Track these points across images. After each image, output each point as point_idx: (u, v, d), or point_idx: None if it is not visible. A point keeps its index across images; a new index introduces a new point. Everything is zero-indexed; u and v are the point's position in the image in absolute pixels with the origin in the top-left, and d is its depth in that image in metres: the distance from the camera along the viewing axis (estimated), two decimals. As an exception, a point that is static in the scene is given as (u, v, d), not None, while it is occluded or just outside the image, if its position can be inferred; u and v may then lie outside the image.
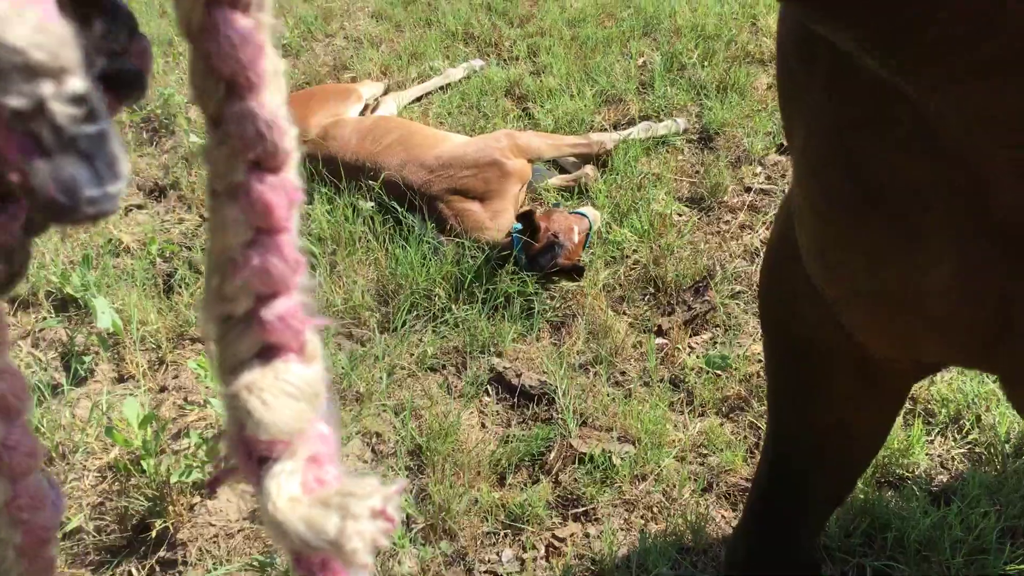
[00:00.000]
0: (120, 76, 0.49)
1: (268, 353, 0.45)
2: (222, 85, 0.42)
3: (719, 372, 2.90)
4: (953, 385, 2.74)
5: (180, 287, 3.26)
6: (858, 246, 0.87)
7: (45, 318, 3.08)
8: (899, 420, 2.63)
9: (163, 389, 2.86)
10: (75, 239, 3.54)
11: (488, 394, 2.88)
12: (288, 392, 0.44)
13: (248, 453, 0.45)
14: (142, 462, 2.36)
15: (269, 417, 0.44)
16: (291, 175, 0.45)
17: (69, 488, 2.41)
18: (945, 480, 2.47)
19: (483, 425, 2.76)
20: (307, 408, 0.45)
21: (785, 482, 1.51)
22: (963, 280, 0.79)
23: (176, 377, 2.89)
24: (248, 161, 0.44)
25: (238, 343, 0.45)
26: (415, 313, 3.17)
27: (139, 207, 3.88)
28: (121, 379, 2.89)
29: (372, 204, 3.68)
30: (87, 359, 2.90)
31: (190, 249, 3.52)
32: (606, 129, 4.44)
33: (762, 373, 2.90)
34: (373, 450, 2.66)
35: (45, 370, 2.89)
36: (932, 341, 0.93)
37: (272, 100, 0.43)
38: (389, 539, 0.43)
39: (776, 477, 1.53)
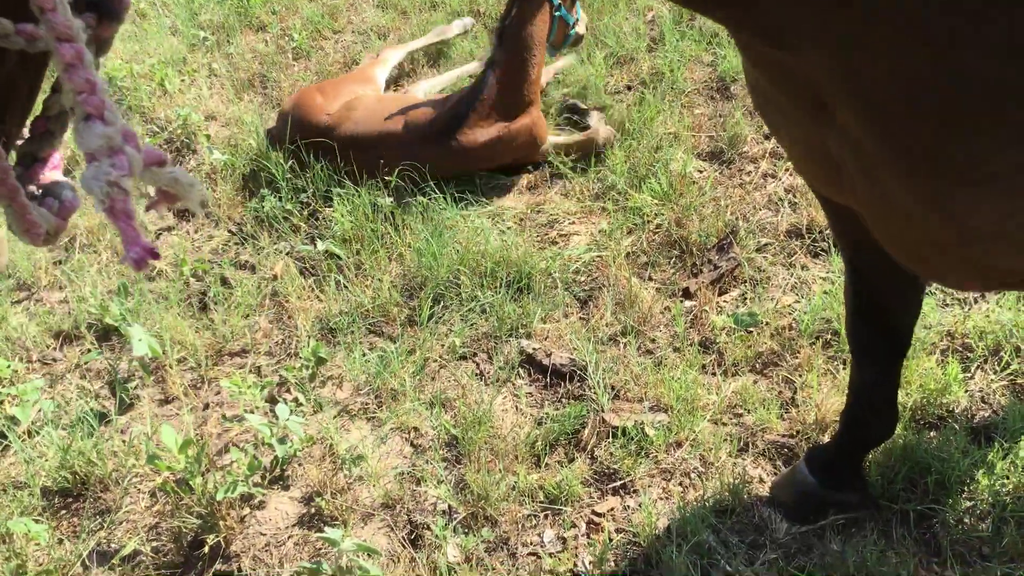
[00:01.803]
0: (102, 4, 0.78)
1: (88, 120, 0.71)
2: None
3: (749, 329, 2.86)
4: (991, 317, 2.67)
5: (214, 304, 3.35)
6: (769, 122, 1.45)
7: (89, 350, 3.19)
8: (934, 359, 2.57)
9: (206, 407, 2.95)
10: (111, 269, 3.65)
11: (520, 376, 2.90)
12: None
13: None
14: (189, 482, 2.45)
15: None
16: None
17: (125, 513, 2.52)
18: (987, 416, 2.41)
19: (517, 408, 2.78)
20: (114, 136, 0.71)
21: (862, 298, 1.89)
22: (805, 136, 1.26)
23: (217, 394, 2.98)
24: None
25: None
26: (442, 304, 3.20)
27: (169, 229, 3.98)
28: (166, 400, 2.99)
29: (391, 200, 3.71)
30: (131, 385, 3.00)
31: (221, 265, 3.60)
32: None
33: (793, 325, 2.86)
34: (412, 444, 2.71)
35: (96, 398, 3.01)
36: (810, 177, 1.44)
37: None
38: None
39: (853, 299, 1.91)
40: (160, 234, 3.94)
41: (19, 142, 0.86)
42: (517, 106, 3.90)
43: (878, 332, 1.91)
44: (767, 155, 3.68)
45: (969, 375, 2.57)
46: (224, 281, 3.50)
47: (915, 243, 1.18)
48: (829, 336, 2.80)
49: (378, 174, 3.85)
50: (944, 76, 0.87)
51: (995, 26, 0.82)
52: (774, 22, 0.97)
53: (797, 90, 1.12)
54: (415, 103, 4.09)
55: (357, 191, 3.75)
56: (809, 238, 3.20)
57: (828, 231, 3.19)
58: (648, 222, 3.42)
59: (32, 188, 0.85)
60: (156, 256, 0.75)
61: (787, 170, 3.57)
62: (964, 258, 1.12)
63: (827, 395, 2.56)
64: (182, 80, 5.23)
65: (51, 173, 0.86)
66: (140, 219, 3.93)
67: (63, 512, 2.57)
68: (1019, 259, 1.08)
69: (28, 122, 0.86)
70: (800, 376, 2.67)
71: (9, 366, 3.01)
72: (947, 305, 2.85)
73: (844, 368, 2.67)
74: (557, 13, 4.00)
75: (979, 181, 0.95)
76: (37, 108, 0.89)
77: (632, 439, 2.53)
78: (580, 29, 4.29)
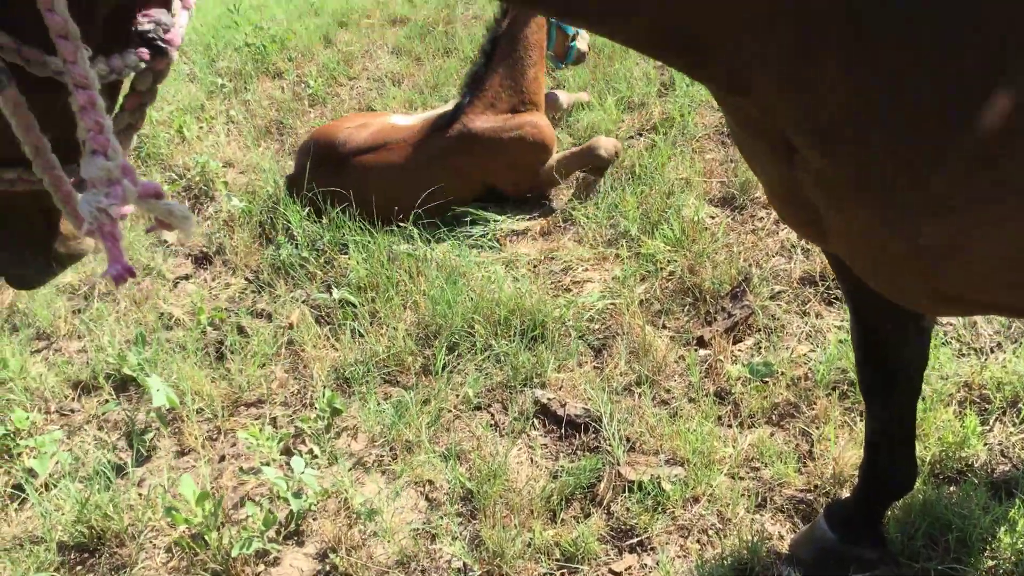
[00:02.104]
0: (153, 43, 0.97)
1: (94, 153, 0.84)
2: None
3: (765, 380, 2.85)
4: (1008, 367, 2.65)
5: (231, 353, 3.37)
6: (751, 168, 1.45)
7: (107, 400, 3.21)
8: (951, 411, 2.55)
9: (222, 458, 2.96)
10: (129, 318, 3.69)
11: (535, 427, 2.90)
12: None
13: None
14: (205, 536, 2.45)
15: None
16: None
17: (141, 569, 2.52)
18: (1007, 470, 2.39)
19: (532, 461, 2.77)
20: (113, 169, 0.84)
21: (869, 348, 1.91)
22: (781, 179, 1.28)
23: (234, 445, 2.99)
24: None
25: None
26: (456, 352, 3.21)
27: (187, 278, 4.02)
28: (182, 452, 3.00)
29: (408, 246, 3.74)
30: (148, 436, 3.02)
31: (238, 313, 3.63)
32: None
33: (809, 375, 2.85)
34: (427, 498, 2.70)
35: (113, 450, 3.02)
36: (792, 222, 1.44)
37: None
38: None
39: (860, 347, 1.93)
40: (178, 282, 3.98)
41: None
42: (518, 104, 4.11)
43: (884, 373, 1.92)
44: (780, 201, 3.69)
45: (988, 427, 2.55)
46: (241, 330, 3.52)
47: (881, 267, 1.21)
48: (846, 387, 2.78)
49: (394, 219, 3.90)
50: (887, 114, 0.95)
51: (934, 67, 0.90)
52: (729, 68, 1.04)
53: (767, 135, 1.17)
54: (424, 115, 4.38)
55: (372, 238, 3.78)
56: (823, 285, 3.20)
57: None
58: (661, 269, 3.43)
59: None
60: (132, 275, 0.88)
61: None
62: (922, 279, 1.16)
63: (845, 448, 2.54)
64: (200, 127, 5.31)
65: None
66: (159, 267, 3.98)
67: (79, 568, 2.57)
68: (964, 278, 1.12)
69: None
70: (817, 428, 2.66)
71: (28, 417, 3.03)
72: (963, 355, 2.83)
73: (862, 420, 2.65)
74: (553, 21, 4.16)
75: (934, 210, 1.01)
76: None
77: (649, 493, 2.52)
78: (582, 45, 4.47)
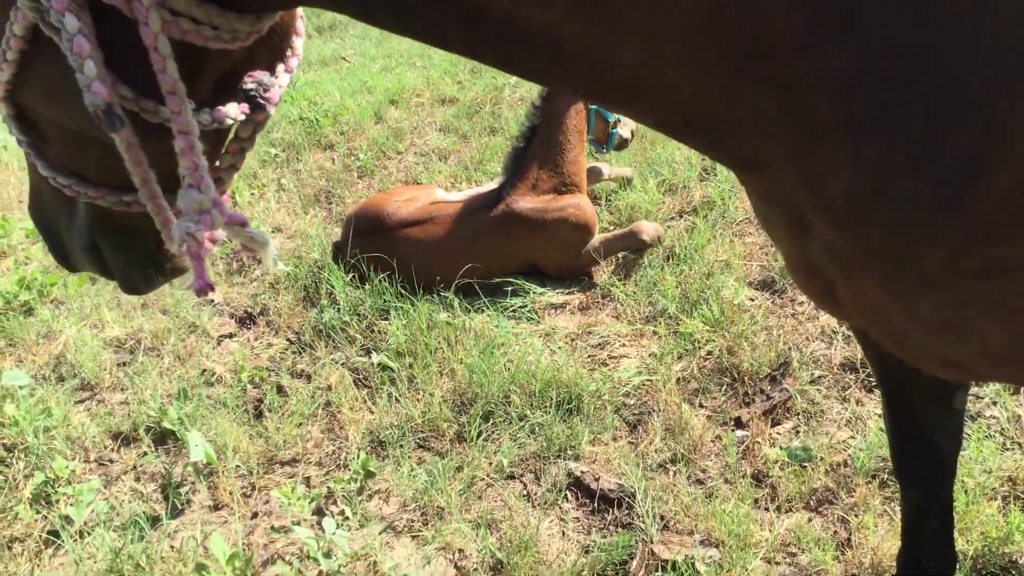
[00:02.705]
0: (254, 100, 1.14)
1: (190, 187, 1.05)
2: None
3: (803, 464, 2.82)
4: (1056, 463, 2.59)
5: (269, 412, 3.41)
6: (771, 238, 1.47)
7: (145, 453, 3.26)
8: (995, 505, 2.50)
9: (255, 515, 2.97)
10: (172, 373, 3.76)
11: (567, 500, 2.88)
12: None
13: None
14: (234, 593, 2.45)
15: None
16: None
17: (168, 622, 2.52)
18: (1056, 570, 2.32)
19: (563, 534, 2.74)
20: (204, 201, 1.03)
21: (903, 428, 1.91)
22: (797, 251, 1.31)
23: (267, 503, 3.00)
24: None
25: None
26: (492, 421, 3.21)
27: (230, 336, 4.10)
28: (216, 507, 3.02)
29: (447, 315, 3.80)
30: (184, 489, 3.04)
31: (278, 373, 3.68)
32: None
33: (848, 462, 2.81)
34: (456, 566, 2.67)
35: (148, 501, 3.05)
36: (810, 293, 1.44)
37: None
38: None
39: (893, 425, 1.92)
40: (221, 340, 4.06)
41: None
42: (560, 186, 4.21)
43: (917, 454, 1.91)
44: (819, 286, 3.70)
45: (1034, 523, 2.48)
46: (280, 389, 3.57)
47: (891, 336, 1.25)
48: (886, 475, 2.73)
49: (435, 288, 3.97)
50: (883, 195, 1.02)
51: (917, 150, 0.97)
52: (739, 146, 1.11)
53: (782, 208, 1.23)
54: (468, 192, 4.52)
55: (413, 305, 3.84)
56: (864, 372, 3.17)
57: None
58: (699, 348, 3.44)
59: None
60: (213, 289, 1.06)
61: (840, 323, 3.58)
62: (925, 348, 1.21)
63: (884, 538, 2.49)
64: (252, 193, 5.49)
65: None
66: (204, 325, 4.07)
67: (107, 617, 2.58)
68: (960, 349, 1.16)
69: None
70: (856, 516, 2.61)
71: (67, 466, 3.08)
72: (1008, 449, 2.78)
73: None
74: (593, 107, 4.31)
75: (928, 287, 1.07)
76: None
77: (683, 574, 2.47)
78: (624, 132, 4.58)
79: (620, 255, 4.19)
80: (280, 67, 1.20)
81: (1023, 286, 1.01)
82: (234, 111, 1.13)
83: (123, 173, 1.16)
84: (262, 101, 1.16)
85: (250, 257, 1.18)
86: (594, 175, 4.65)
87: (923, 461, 1.89)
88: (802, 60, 0.98)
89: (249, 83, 1.16)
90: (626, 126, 4.62)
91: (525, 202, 4.12)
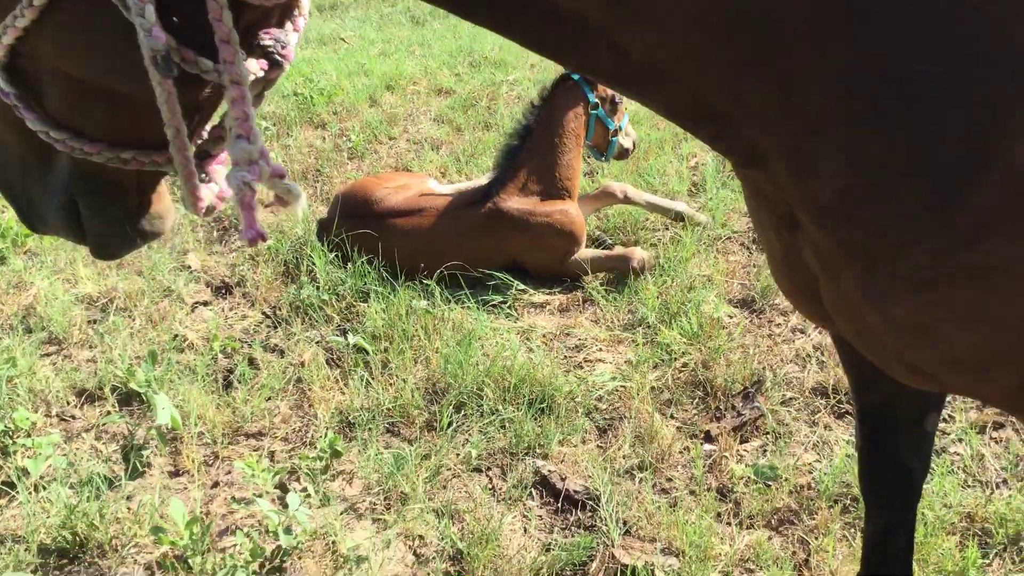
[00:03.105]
0: (271, 56, 1.13)
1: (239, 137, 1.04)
2: None
3: (768, 483, 2.84)
4: (1012, 504, 2.63)
5: (239, 383, 3.37)
6: (760, 238, 1.59)
7: (109, 412, 3.21)
8: (953, 540, 2.53)
9: (215, 484, 2.93)
10: (143, 335, 3.71)
11: (532, 497, 2.87)
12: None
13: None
14: (189, 560, 2.41)
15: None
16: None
17: (119, 583, 2.48)
18: (1007, 607, 2.35)
19: (525, 530, 2.74)
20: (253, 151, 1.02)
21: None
22: (780, 250, 1.37)
23: (228, 473, 2.97)
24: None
25: None
26: (463, 412, 3.20)
27: (205, 304, 4.06)
28: (176, 473, 2.98)
29: (427, 303, 3.78)
30: (145, 452, 3.00)
31: (250, 346, 3.65)
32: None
33: (812, 485, 2.83)
34: (415, 553, 2.66)
35: (107, 462, 3.00)
36: (792, 296, 1.49)
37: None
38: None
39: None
40: (196, 307, 4.01)
41: (199, 141, 1.24)
42: (551, 189, 4.17)
43: (885, 470, 1.93)
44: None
45: (987, 561, 2.52)
46: (252, 362, 3.54)
47: (863, 336, 1.28)
48: (848, 501, 2.76)
49: (417, 276, 3.96)
50: (874, 195, 1.05)
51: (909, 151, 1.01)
52: (741, 140, 1.15)
53: (775, 206, 1.27)
54: (459, 185, 4.50)
55: (394, 290, 3.82)
56: (834, 398, 3.21)
57: (854, 393, 3.20)
58: (675, 359, 3.45)
59: (202, 175, 1.23)
60: (264, 239, 1.06)
61: (817, 328, 3.61)
62: (895, 351, 1.23)
63: (842, 562, 2.51)
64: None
65: (217, 166, 1.25)
66: (180, 290, 4.01)
67: (56, 572, 2.53)
68: (927, 355, 1.19)
69: (208, 128, 1.25)
70: (816, 538, 2.63)
71: (28, 418, 3.02)
72: (969, 486, 2.82)
73: (861, 535, 2.62)
74: (594, 112, 4.28)
75: (906, 288, 1.10)
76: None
77: (640, 579, 2.48)
78: (625, 142, 4.52)
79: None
80: (289, 25, 1.19)
81: (998, 289, 1.04)
82: (254, 67, 1.12)
83: (125, 128, 1.15)
84: (279, 58, 1.15)
85: (280, 209, 1.16)
86: (607, 196, 4.48)
87: (892, 482, 1.92)
88: (803, 55, 1.01)
89: (267, 40, 1.14)
90: (628, 136, 4.58)
91: (513, 202, 4.11)
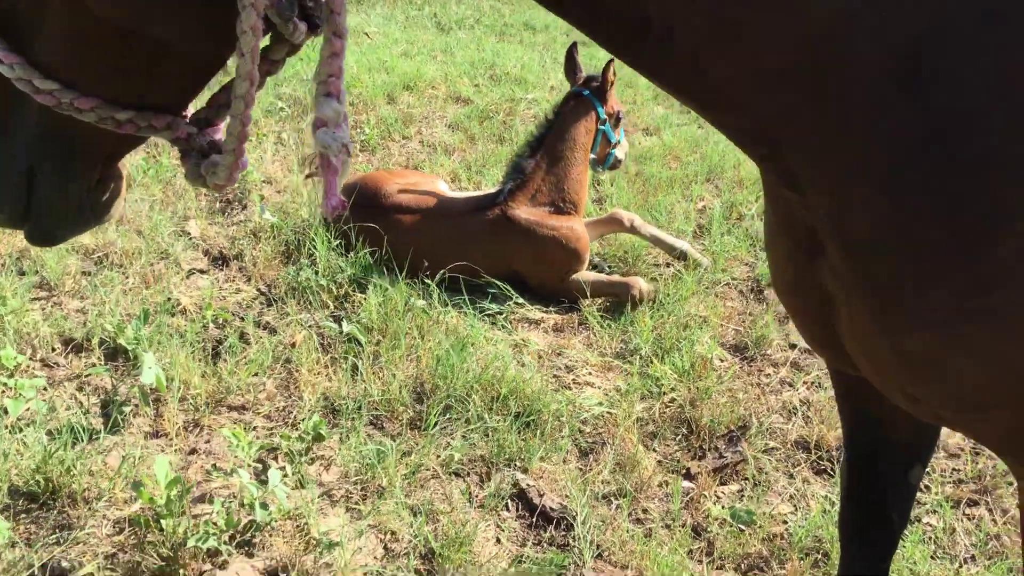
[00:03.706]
0: (312, 20, 1.04)
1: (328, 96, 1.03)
2: None
3: (743, 527, 2.85)
4: (983, 579, 2.66)
5: (227, 355, 3.35)
6: (771, 259, 1.57)
7: (95, 364, 3.17)
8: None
9: (193, 451, 2.90)
10: (136, 294, 3.67)
11: (508, 509, 2.87)
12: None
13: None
14: (161, 520, 2.38)
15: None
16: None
17: (86, 535, 2.43)
18: None
19: (498, 540, 2.73)
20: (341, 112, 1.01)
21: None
22: (791, 271, 1.43)
23: (208, 442, 2.94)
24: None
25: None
26: (448, 415, 3.20)
27: (201, 272, 4.03)
28: (155, 434, 2.94)
29: (424, 302, 3.78)
30: (126, 410, 2.96)
31: (243, 319, 3.62)
32: (659, 265, 4.53)
33: (785, 535, 2.85)
34: (386, 547, 2.64)
35: (86, 415, 2.96)
36: (793, 311, 1.54)
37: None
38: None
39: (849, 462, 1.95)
40: (192, 274, 3.98)
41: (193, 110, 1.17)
42: (559, 202, 4.23)
43: (868, 519, 1.96)
44: (789, 363, 3.77)
45: (951, 632, 2.54)
46: (242, 336, 3.51)
47: (870, 362, 1.32)
48: (819, 556, 2.78)
49: (419, 274, 3.96)
50: (907, 238, 1.12)
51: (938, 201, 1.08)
52: (789, 166, 1.21)
53: (797, 228, 1.34)
54: (471, 194, 4.51)
55: (393, 285, 3.82)
56: (815, 454, 3.23)
57: (835, 451, 3.23)
58: (664, 393, 3.47)
59: (203, 142, 1.16)
60: (344, 207, 1.05)
61: (805, 383, 3.65)
62: (899, 382, 1.28)
63: (809, 613, 2.52)
64: (250, 139, 5.42)
65: (216, 135, 1.18)
66: (177, 255, 3.98)
67: (24, 516, 2.48)
68: (933, 389, 1.24)
69: (208, 97, 1.18)
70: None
71: (15, 357, 2.98)
72: (938, 558, 2.85)
73: (829, 590, 2.64)
74: (602, 127, 4.40)
75: (922, 323, 1.16)
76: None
77: (609, 603, 2.48)
78: (619, 154, 4.64)
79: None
80: None
81: (1010, 333, 1.09)
82: (303, 27, 1.05)
83: (134, 82, 1.05)
84: (319, 22, 1.07)
85: (320, 174, 1.05)
86: (614, 222, 4.51)
87: (872, 531, 1.95)
88: (869, 103, 1.07)
89: (310, 1, 1.07)
90: (621, 148, 4.69)
91: (522, 211, 4.14)
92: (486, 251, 4.11)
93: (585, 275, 4.16)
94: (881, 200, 1.11)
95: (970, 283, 1.09)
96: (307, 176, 4.77)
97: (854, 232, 1.16)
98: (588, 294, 4.10)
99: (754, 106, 1.16)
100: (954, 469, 3.20)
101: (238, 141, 1.08)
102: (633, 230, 4.47)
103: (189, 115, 1.19)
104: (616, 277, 4.21)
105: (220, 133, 1.19)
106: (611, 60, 4.42)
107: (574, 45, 4.60)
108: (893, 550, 2.02)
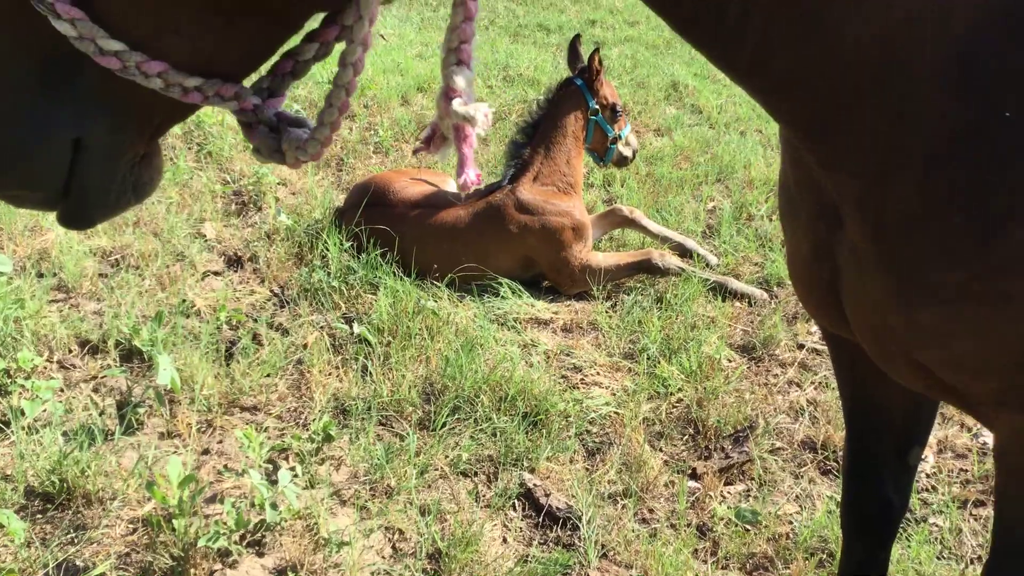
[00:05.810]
0: None
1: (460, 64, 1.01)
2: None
3: (748, 527, 2.87)
4: (987, 580, 2.67)
5: (240, 356, 3.40)
6: (785, 226, 1.65)
7: (110, 366, 3.24)
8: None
9: (206, 452, 2.96)
10: (152, 296, 3.74)
11: (515, 508, 2.90)
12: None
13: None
14: (174, 520, 2.44)
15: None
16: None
17: (100, 534, 2.50)
18: None
19: (505, 540, 2.77)
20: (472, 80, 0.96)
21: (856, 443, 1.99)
22: (807, 242, 1.50)
23: (220, 442, 2.99)
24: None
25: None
26: (457, 416, 3.24)
27: (216, 274, 4.09)
28: (169, 435, 3.00)
29: (435, 304, 3.82)
30: (141, 411, 3.02)
31: (256, 321, 3.68)
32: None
33: (791, 535, 2.87)
34: (394, 547, 2.68)
35: (101, 415, 3.02)
36: (805, 288, 1.59)
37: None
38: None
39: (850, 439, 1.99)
40: (207, 275, 4.04)
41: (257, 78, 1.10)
42: (557, 183, 4.36)
43: (869, 503, 1.99)
44: (796, 364, 3.78)
45: (955, 633, 2.55)
46: (255, 337, 3.57)
47: (877, 333, 1.39)
48: (824, 556, 2.80)
49: (429, 276, 4.01)
50: (933, 223, 1.20)
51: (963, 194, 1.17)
52: (836, 149, 1.27)
53: (820, 201, 1.42)
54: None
55: (404, 286, 3.86)
56: (822, 454, 3.25)
57: (841, 452, 3.24)
58: (671, 394, 3.49)
59: (270, 114, 1.10)
60: (479, 182, 1.03)
61: (813, 383, 3.66)
62: (905, 349, 1.35)
63: (812, 613, 2.54)
64: (266, 142, 5.48)
65: (279, 107, 1.12)
66: (193, 257, 4.05)
67: (39, 516, 2.55)
68: (934, 354, 1.32)
69: (273, 64, 1.11)
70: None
71: (32, 359, 3.05)
72: (944, 558, 2.85)
73: (833, 590, 2.66)
74: (593, 118, 4.50)
75: (940, 299, 1.24)
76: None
77: (612, 603, 2.51)
78: (624, 151, 4.70)
79: (615, 284, 4.26)
80: None
81: (1015, 313, 1.20)
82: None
83: (211, 45, 0.95)
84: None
85: (449, 146, 1.00)
86: (614, 215, 4.67)
87: (873, 515, 1.98)
88: (920, 100, 1.15)
89: None
90: (628, 145, 4.73)
91: (525, 192, 4.28)
92: (499, 236, 4.20)
93: (600, 260, 4.22)
94: (915, 187, 1.20)
95: (984, 266, 1.18)
96: (415, 151, 4.83)
97: (884, 214, 1.25)
98: (613, 278, 4.20)
99: (812, 98, 1.22)
100: (961, 470, 3.20)
101: (339, 112, 1.03)
102: (634, 222, 4.56)
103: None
104: (631, 252, 4.31)
105: (282, 105, 1.13)
106: (596, 49, 4.49)
107: (577, 36, 4.67)
108: (893, 536, 2.04)
